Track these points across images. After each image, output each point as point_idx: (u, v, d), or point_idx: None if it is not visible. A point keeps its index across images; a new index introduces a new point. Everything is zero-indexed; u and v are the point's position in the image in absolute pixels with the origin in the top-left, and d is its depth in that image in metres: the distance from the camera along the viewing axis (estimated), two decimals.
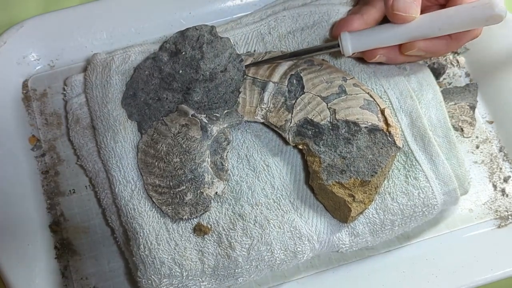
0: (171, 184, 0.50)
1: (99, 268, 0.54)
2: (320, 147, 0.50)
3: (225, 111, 0.52)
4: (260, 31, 0.57)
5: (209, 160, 0.51)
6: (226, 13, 0.62)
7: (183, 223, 0.50)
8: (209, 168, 0.51)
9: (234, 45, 0.55)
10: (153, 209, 0.50)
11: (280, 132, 0.52)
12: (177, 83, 0.52)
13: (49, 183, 0.56)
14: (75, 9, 0.59)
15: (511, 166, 0.59)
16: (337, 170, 0.49)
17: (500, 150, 0.60)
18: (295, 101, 0.52)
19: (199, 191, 0.50)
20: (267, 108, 0.52)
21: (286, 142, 0.52)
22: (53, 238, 0.54)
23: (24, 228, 0.53)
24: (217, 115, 0.52)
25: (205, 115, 0.52)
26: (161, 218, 0.50)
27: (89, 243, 0.55)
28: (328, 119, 0.50)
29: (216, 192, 0.51)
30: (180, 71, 0.52)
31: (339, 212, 0.50)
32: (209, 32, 0.53)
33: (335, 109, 0.50)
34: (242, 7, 0.62)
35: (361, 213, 0.50)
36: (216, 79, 0.52)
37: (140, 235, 0.49)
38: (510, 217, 0.57)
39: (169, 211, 0.50)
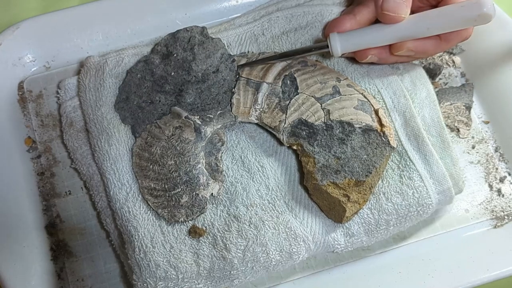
0: (166, 187, 0.50)
1: (95, 269, 0.54)
2: (315, 148, 0.50)
3: (219, 112, 0.52)
4: (253, 32, 0.57)
5: (203, 161, 0.51)
6: (222, 14, 0.62)
7: (178, 225, 0.50)
8: (204, 170, 0.51)
9: (228, 46, 0.55)
10: (148, 212, 0.50)
11: (274, 132, 0.52)
12: (170, 86, 0.52)
13: (45, 185, 0.56)
14: (70, 11, 0.59)
15: (507, 166, 0.59)
16: (332, 171, 0.49)
17: (496, 150, 0.59)
18: (289, 102, 0.51)
19: (194, 193, 0.50)
20: (261, 109, 0.52)
21: (280, 142, 0.52)
22: (49, 240, 0.55)
23: (20, 230, 0.53)
24: (210, 116, 0.52)
25: (198, 117, 0.52)
26: (156, 221, 0.50)
27: (85, 245, 0.55)
28: (322, 119, 0.50)
29: (212, 193, 0.50)
30: (172, 73, 0.52)
31: (334, 212, 0.50)
32: (200, 33, 0.53)
33: (329, 110, 0.50)
34: (237, 8, 0.62)
35: (356, 213, 0.50)
36: (208, 80, 0.52)
37: (135, 238, 0.49)
38: (506, 217, 0.57)
39: (165, 214, 0.50)
